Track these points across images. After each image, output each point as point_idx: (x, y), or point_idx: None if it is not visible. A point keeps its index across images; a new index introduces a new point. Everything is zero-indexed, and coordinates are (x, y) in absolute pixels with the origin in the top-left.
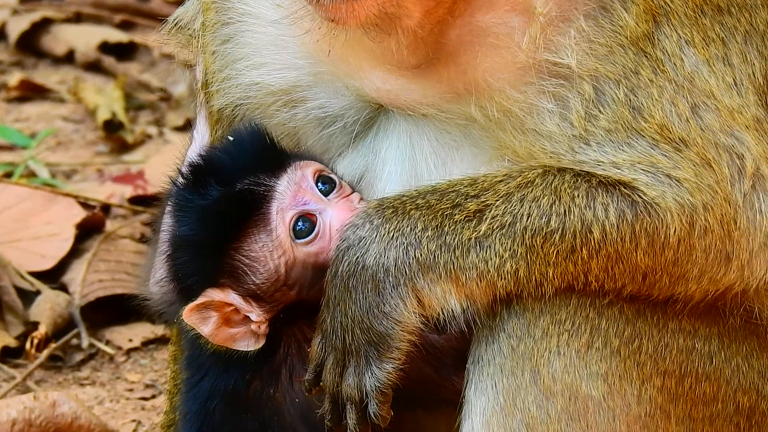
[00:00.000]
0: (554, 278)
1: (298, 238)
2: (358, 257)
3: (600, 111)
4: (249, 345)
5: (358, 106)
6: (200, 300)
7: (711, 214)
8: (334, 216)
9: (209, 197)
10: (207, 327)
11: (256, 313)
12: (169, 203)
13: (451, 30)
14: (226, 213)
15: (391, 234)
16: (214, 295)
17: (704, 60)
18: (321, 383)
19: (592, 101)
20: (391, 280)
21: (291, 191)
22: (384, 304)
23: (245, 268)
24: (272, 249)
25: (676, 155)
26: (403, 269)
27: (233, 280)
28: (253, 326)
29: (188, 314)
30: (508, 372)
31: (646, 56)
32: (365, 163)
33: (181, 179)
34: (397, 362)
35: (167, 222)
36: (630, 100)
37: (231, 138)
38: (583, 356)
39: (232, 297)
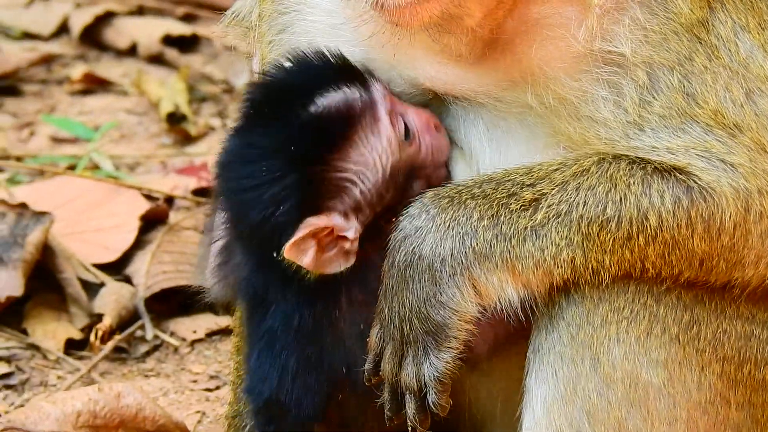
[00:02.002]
0: (611, 266)
1: (405, 139)
2: (414, 247)
3: (654, 97)
4: (341, 265)
5: (412, 94)
6: (303, 232)
7: (766, 199)
8: (415, 117)
9: (316, 106)
10: (307, 258)
11: (354, 229)
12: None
13: (507, 22)
14: (335, 121)
15: (447, 224)
16: (317, 222)
17: (759, 45)
18: (380, 373)
19: (647, 88)
20: (447, 269)
21: (388, 95)
22: (441, 293)
23: (354, 177)
24: (381, 151)
25: (730, 140)
26: (460, 259)
27: (336, 196)
28: (347, 244)
29: (290, 251)
30: (568, 360)
31: (700, 42)
32: None
33: (267, 98)
34: (455, 351)
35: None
36: (684, 87)
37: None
38: (642, 343)
39: (334, 219)
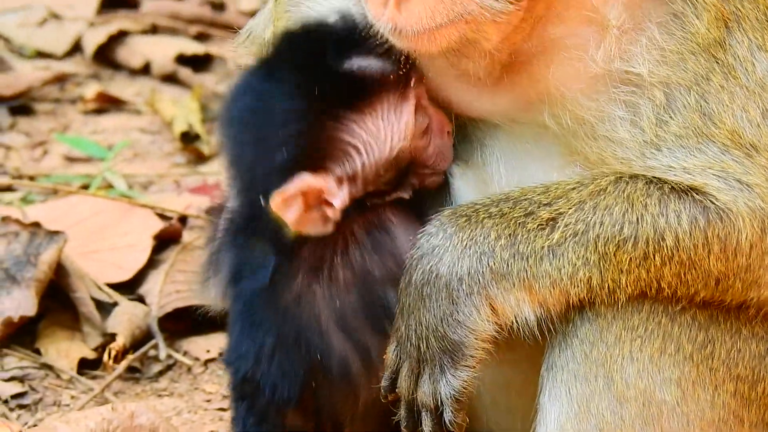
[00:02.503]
0: (627, 285)
1: (419, 129)
2: (431, 266)
3: (671, 117)
4: (318, 229)
5: None
6: (295, 187)
7: None
8: (434, 116)
9: (352, 61)
10: (291, 213)
11: (341, 198)
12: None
13: (524, 44)
14: (365, 82)
15: (465, 242)
16: (311, 181)
17: None
18: (396, 390)
19: (663, 107)
20: (464, 288)
21: (421, 85)
22: (458, 312)
23: (361, 146)
24: (396, 131)
25: (747, 161)
26: (477, 278)
27: (338, 159)
28: (329, 212)
29: (277, 202)
30: (581, 378)
31: (717, 62)
32: None
33: (304, 39)
34: (471, 370)
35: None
36: (701, 106)
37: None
38: (656, 362)
39: (329, 183)
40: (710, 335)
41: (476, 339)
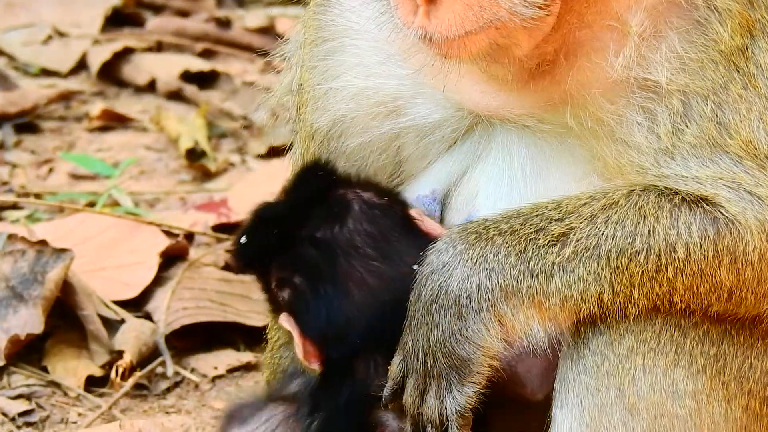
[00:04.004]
0: (639, 299)
1: None
2: (441, 282)
3: (686, 126)
4: None
5: (458, 116)
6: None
7: None
8: None
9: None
10: None
11: None
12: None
13: (554, 51)
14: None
15: (474, 259)
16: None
17: None
18: (402, 402)
19: (680, 116)
20: (473, 305)
21: None
22: (466, 328)
23: None
24: None
25: (759, 172)
26: (486, 295)
27: None
28: None
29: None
30: (593, 390)
31: (737, 71)
32: (462, 169)
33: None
34: (478, 386)
35: None
36: (717, 116)
37: None
38: (669, 374)
39: None
40: (722, 349)
41: (484, 356)
